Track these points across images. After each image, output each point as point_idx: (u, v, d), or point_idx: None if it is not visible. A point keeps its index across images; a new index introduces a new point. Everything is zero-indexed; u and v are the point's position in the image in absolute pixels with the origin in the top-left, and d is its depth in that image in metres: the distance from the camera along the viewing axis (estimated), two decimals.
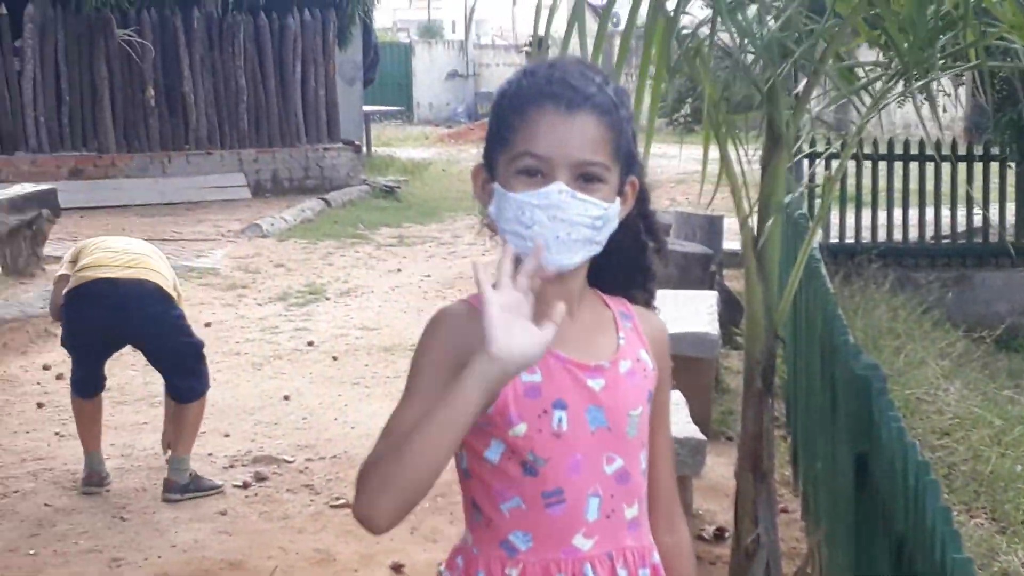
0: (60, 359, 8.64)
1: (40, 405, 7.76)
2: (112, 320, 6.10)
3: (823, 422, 4.71)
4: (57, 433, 7.22)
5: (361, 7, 19.30)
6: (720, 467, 6.42)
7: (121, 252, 6.22)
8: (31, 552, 5.58)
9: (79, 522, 5.90)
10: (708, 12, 4.02)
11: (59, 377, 8.27)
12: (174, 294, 6.24)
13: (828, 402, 4.49)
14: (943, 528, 2.49)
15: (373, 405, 7.82)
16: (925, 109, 4.93)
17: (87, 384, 6.36)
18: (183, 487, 6.14)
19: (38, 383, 8.27)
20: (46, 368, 8.55)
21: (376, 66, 22.60)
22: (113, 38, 16.81)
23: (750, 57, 4.17)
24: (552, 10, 3.96)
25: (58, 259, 12.05)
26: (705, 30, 4.04)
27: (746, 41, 4.03)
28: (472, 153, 27.43)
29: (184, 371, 6.26)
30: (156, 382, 6.48)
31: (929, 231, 12.41)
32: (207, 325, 9.66)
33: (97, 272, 6.08)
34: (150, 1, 17.18)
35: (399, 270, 12.83)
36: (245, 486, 6.35)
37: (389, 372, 8.64)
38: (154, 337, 6.22)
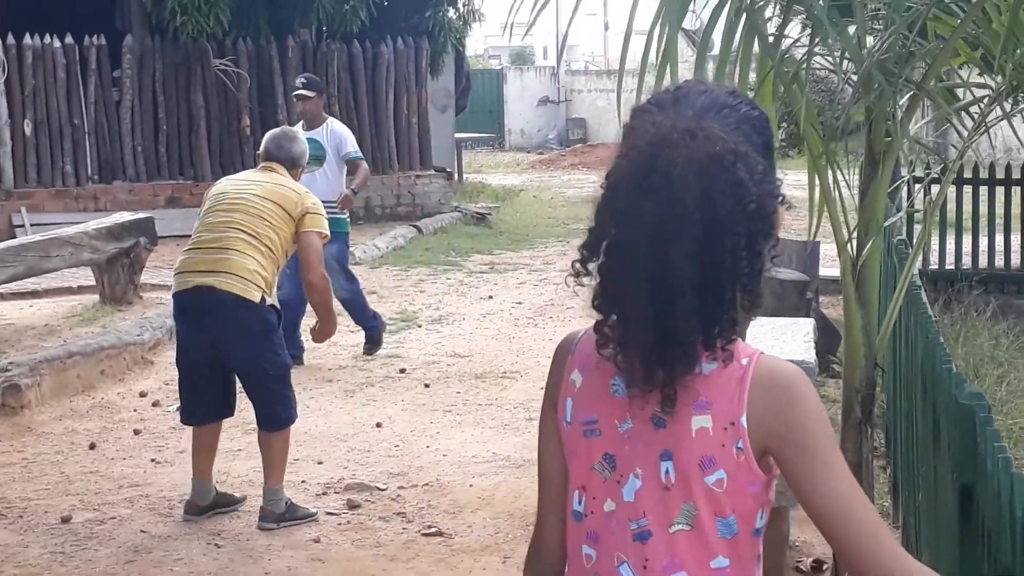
0: (156, 386, 8.75)
1: (137, 432, 7.83)
2: (199, 333, 6.12)
3: (925, 453, 4.59)
4: (153, 460, 7.28)
5: (454, 35, 19.38)
6: None
7: (216, 238, 6.19)
8: None
9: (175, 548, 5.93)
10: (804, 36, 3.96)
11: (155, 404, 8.36)
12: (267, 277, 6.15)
13: (930, 432, 4.38)
14: None
15: (465, 432, 7.80)
16: None
17: (185, 408, 6.39)
18: (278, 516, 6.14)
19: (135, 410, 8.35)
20: (143, 395, 8.63)
21: (468, 93, 22.68)
22: (210, 68, 17.05)
23: (850, 82, 4.10)
24: (648, 39, 3.92)
25: (155, 286, 12.27)
26: (801, 51, 3.98)
27: (845, 64, 3.97)
28: (563, 179, 27.45)
29: (269, 394, 6.18)
30: (248, 409, 6.49)
31: None
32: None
33: (181, 279, 6.16)
34: (246, 31, 17.39)
35: (490, 297, 12.82)
36: (342, 512, 6.35)
37: (480, 399, 8.62)
38: (236, 350, 6.13)
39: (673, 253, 1.98)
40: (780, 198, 2.09)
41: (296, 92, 10.15)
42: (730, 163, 2.01)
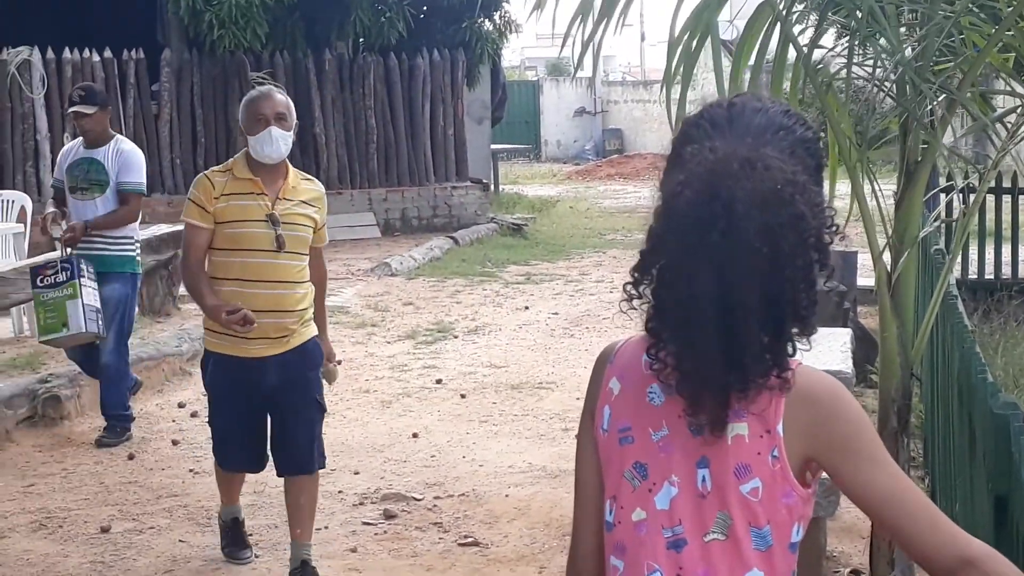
0: (194, 397, 8.79)
1: (175, 443, 7.88)
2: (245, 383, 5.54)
3: (961, 463, 4.58)
4: (191, 470, 7.33)
5: (490, 46, 19.41)
6: (855, 508, 6.26)
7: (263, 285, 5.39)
8: None
9: (213, 557, 5.97)
10: (840, 46, 3.96)
11: (194, 415, 8.40)
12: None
13: (966, 442, 4.36)
14: None
15: (501, 443, 7.81)
16: None
17: (221, 452, 5.81)
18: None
19: (173, 420, 8.41)
20: (181, 406, 8.69)
21: (504, 104, 22.70)
22: (247, 81, 17.11)
23: (885, 89, 4.10)
24: (684, 48, 3.93)
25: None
26: (838, 62, 3.98)
27: (881, 73, 3.97)
28: (599, 190, 27.43)
29: (312, 431, 5.63)
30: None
31: None
32: (338, 363, 9.73)
33: (225, 346, 5.48)
34: (283, 44, 17.48)
35: (527, 308, 12.84)
36: (379, 522, 6.37)
37: (516, 410, 8.63)
38: (284, 397, 5.55)
39: (738, 285, 2.01)
40: (835, 228, 2.12)
41: (72, 108, 7.92)
42: (790, 195, 2.03)
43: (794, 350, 2.08)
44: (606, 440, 2.20)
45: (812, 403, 2.09)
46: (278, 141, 5.40)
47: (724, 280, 2.00)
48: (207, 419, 5.80)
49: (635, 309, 2.13)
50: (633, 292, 2.13)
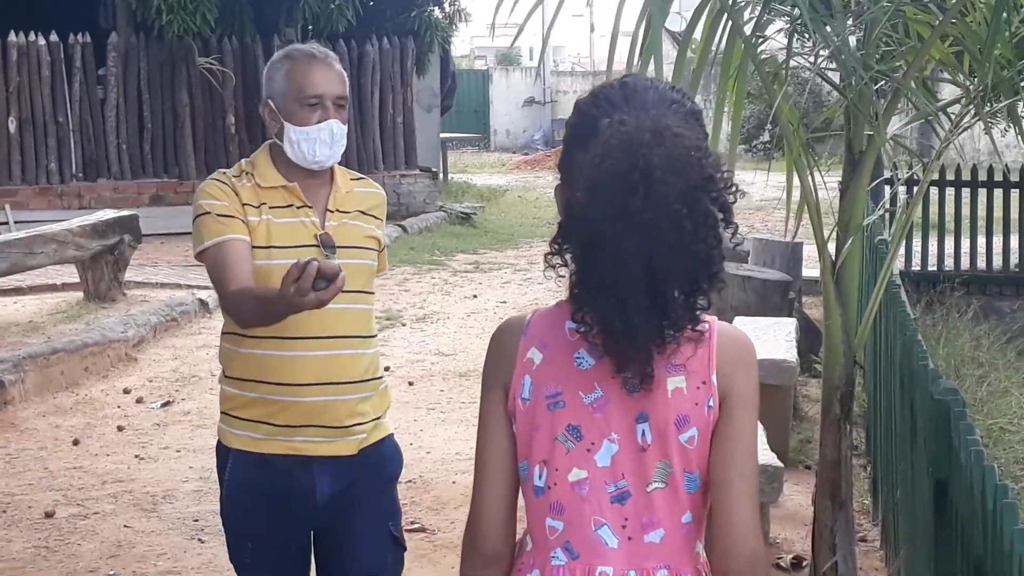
0: (140, 383, 8.76)
1: (120, 428, 7.84)
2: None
3: (903, 449, 4.64)
4: (137, 456, 7.30)
5: (440, 34, 19.38)
6: (798, 495, 6.35)
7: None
8: (111, 573, 5.64)
9: (158, 544, 5.95)
10: (784, 36, 3.99)
11: (139, 401, 8.37)
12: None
13: (908, 429, 4.43)
14: (1021, 551, 2.44)
15: (448, 430, 7.83)
16: (1004, 135, 4.85)
17: None
18: None
19: (118, 406, 8.36)
20: (126, 392, 8.64)
21: (453, 93, 22.68)
22: (195, 66, 17.03)
23: (830, 79, 4.14)
24: (633, 40, 3.95)
25: (139, 284, 12.26)
26: (783, 54, 4.02)
27: (825, 63, 4.01)
28: (548, 180, 27.46)
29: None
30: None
31: (1013, 259, 12.23)
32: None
33: (257, 441, 3.54)
34: (231, 29, 17.37)
35: (475, 296, 12.85)
36: None
37: (464, 398, 8.64)
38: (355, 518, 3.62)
39: (660, 247, 2.11)
40: (736, 188, 2.23)
41: None
42: (698, 160, 2.16)
43: (708, 304, 2.21)
44: (528, 408, 2.28)
45: (732, 349, 2.26)
46: (339, 140, 3.56)
47: (647, 242, 2.11)
48: (227, 552, 3.71)
49: (560, 277, 2.23)
50: (556, 261, 2.23)
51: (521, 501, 2.34)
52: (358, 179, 3.74)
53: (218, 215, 3.46)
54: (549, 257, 2.23)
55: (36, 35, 16.31)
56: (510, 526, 2.34)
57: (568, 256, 2.22)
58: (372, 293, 3.61)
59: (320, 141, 3.52)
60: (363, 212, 3.64)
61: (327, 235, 3.52)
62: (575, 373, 2.24)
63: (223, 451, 3.62)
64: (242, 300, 3.38)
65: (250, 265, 3.43)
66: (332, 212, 3.57)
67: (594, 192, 2.14)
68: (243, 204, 3.48)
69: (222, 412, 3.60)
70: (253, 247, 3.46)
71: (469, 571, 2.37)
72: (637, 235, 2.11)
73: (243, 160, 3.66)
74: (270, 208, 3.51)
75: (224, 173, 3.59)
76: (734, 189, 2.22)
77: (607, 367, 2.20)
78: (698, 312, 2.20)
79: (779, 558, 5.67)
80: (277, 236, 3.49)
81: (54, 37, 16.43)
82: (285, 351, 3.47)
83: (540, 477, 2.27)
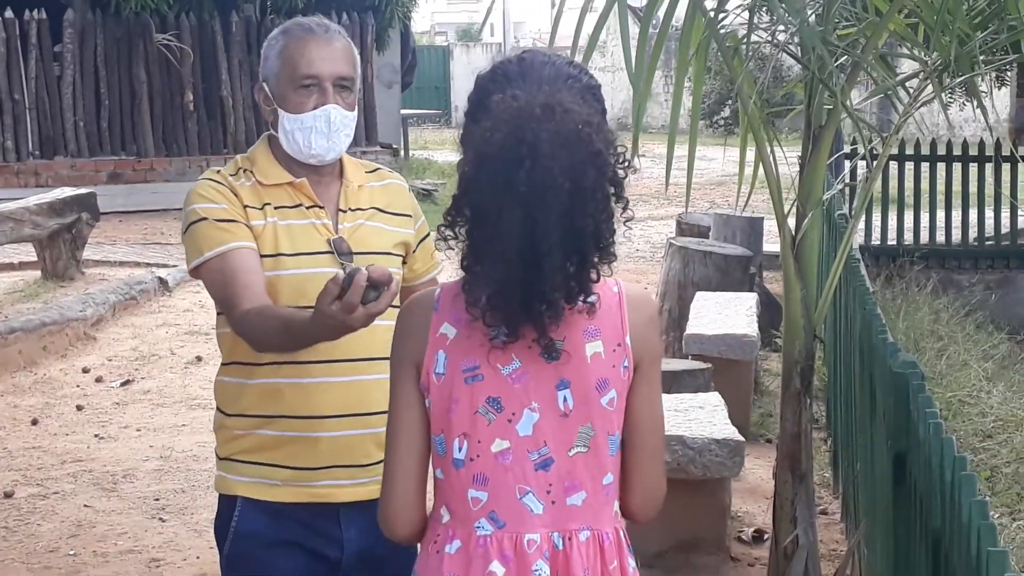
0: (99, 362, 8.69)
1: (79, 408, 7.79)
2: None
3: (863, 423, 4.67)
4: (96, 435, 7.25)
5: (400, 10, 19.30)
6: (759, 469, 6.38)
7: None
8: (71, 553, 5.61)
9: (118, 523, 5.92)
10: (745, 13, 3.99)
11: (98, 380, 8.32)
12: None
13: (867, 402, 4.45)
14: (978, 522, 2.45)
15: None
16: (963, 109, 4.87)
17: None
18: None
19: (77, 386, 8.31)
20: (85, 371, 8.58)
21: (414, 69, 22.58)
22: (152, 43, 16.88)
23: (791, 52, 4.14)
24: (602, 16, 3.94)
25: (97, 263, 12.18)
26: (744, 29, 4.02)
27: (785, 36, 4.01)
28: None
29: None
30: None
31: (972, 233, 12.30)
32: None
33: (274, 488, 3.04)
34: (189, 6, 17.23)
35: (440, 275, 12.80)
36: None
37: None
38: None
39: (543, 219, 2.17)
40: (629, 164, 2.30)
41: None
42: (588, 135, 2.21)
43: (598, 276, 2.25)
44: (443, 383, 2.31)
45: (641, 310, 2.35)
46: (339, 130, 3.05)
47: (531, 215, 2.17)
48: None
49: (452, 249, 2.29)
50: (448, 233, 2.28)
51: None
52: (373, 171, 3.21)
53: (217, 221, 2.97)
54: (442, 230, 2.28)
55: None
56: (421, 498, 2.37)
57: (459, 228, 2.27)
58: (398, 307, 2.58)
59: (316, 131, 3.01)
60: (381, 210, 3.13)
61: (341, 240, 3.03)
62: (491, 346, 2.28)
63: (224, 503, 3.11)
64: (262, 324, 2.86)
65: (262, 277, 2.94)
66: (345, 212, 3.07)
67: (482, 165, 2.21)
68: (244, 207, 3.00)
69: (222, 458, 3.10)
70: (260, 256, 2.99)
71: None
72: (520, 208, 2.17)
73: (239, 156, 3.16)
74: (275, 209, 3.02)
75: (219, 172, 3.08)
76: (626, 164, 2.28)
77: (524, 338, 2.26)
78: (588, 285, 2.24)
79: (740, 531, 5.70)
80: (285, 242, 3.01)
81: (9, 13, 16.23)
82: (304, 378, 2.98)
83: (460, 450, 2.30)
